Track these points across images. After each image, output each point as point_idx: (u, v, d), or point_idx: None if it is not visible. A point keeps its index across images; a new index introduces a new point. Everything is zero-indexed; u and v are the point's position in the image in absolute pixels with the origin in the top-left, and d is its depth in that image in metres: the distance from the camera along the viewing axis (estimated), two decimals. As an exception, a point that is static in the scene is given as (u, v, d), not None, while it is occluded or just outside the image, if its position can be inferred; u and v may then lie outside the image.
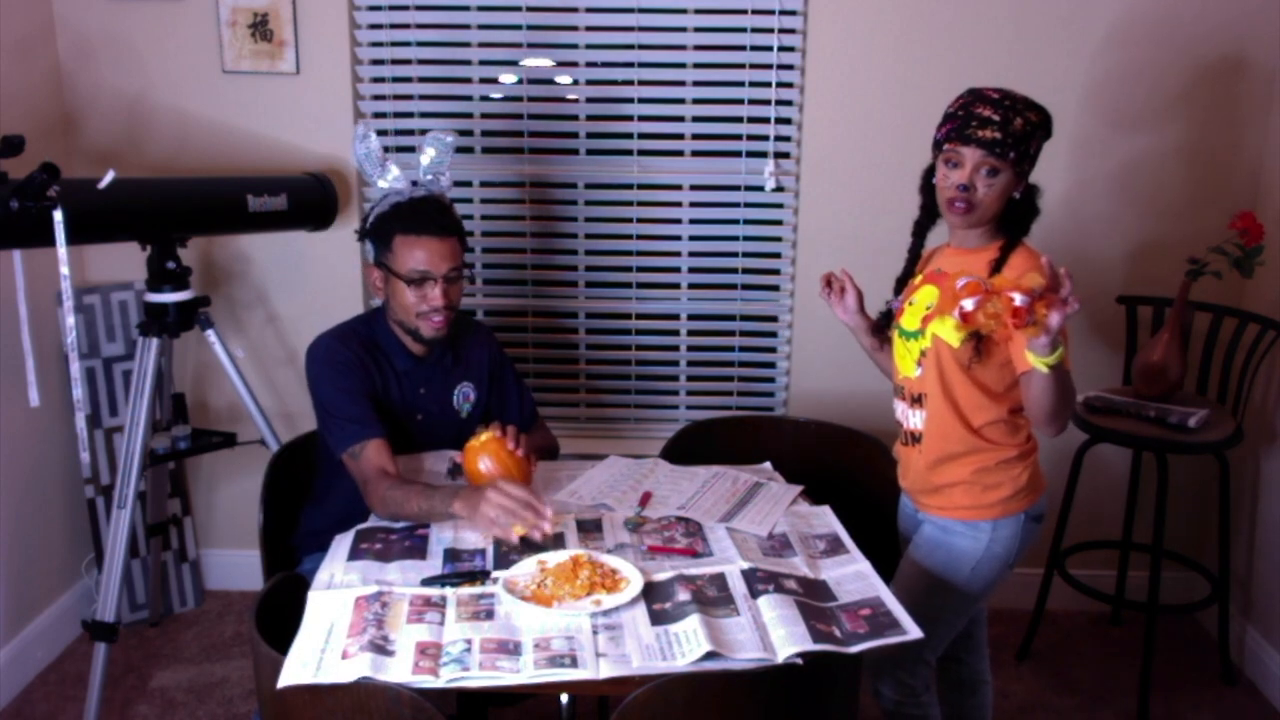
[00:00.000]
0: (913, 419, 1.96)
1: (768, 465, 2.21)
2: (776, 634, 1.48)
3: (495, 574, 1.67)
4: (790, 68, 2.83)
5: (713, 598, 1.59)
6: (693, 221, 2.96)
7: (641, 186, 2.95)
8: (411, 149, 2.92)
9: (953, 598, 1.94)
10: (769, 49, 2.81)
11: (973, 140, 1.80)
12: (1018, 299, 1.54)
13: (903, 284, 2.05)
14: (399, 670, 1.40)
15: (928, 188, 1.95)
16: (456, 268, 2.06)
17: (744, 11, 2.80)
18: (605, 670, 1.41)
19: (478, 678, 1.40)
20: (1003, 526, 1.91)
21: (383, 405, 2.08)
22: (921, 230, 2.01)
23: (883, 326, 2.09)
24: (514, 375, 2.31)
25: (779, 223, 2.95)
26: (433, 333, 2.06)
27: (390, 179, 2.10)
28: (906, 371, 1.95)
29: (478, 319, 2.33)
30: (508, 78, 2.91)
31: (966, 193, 1.81)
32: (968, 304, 1.60)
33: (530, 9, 2.82)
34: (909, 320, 1.94)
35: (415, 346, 2.12)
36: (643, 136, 2.91)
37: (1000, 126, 1.78)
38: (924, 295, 1.91)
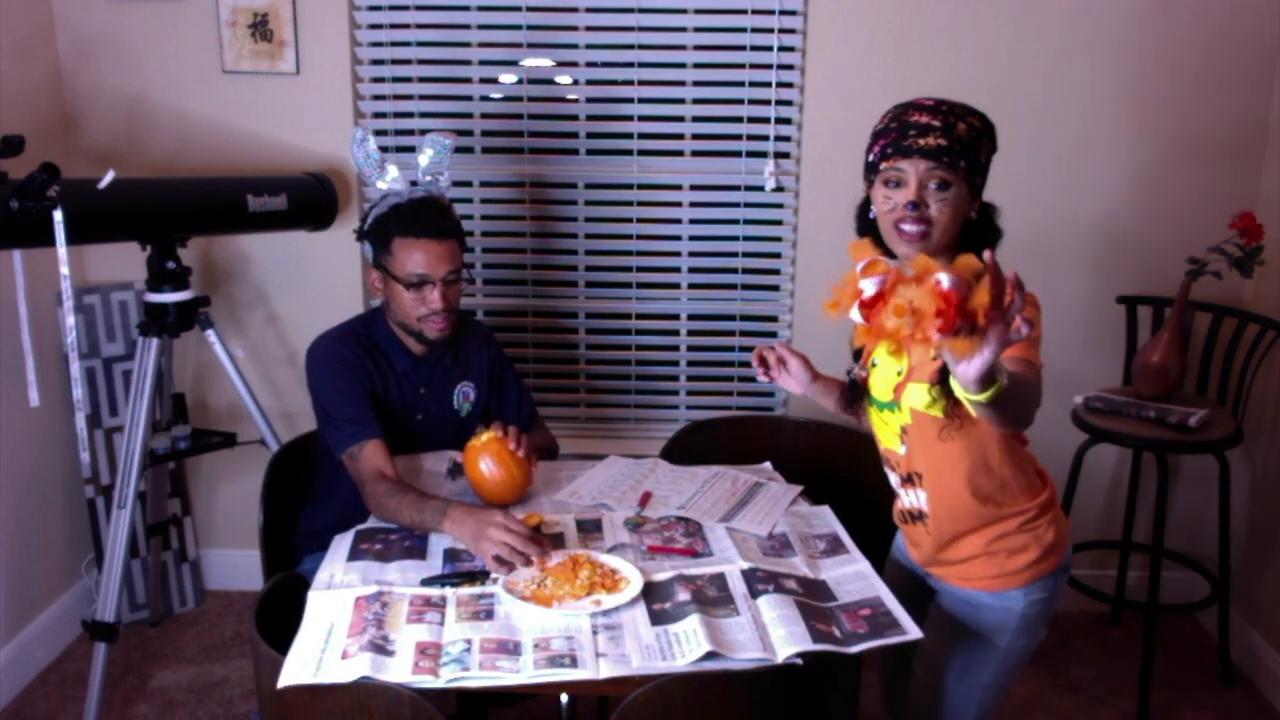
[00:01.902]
0: (910, 498, 1.72)
1: (768, 465, 2.21)
2: (776, 634, 1.48)
3: (495, 574, 1.67)
4: (790, 68, 2.83)
5: (712, 598, 1.59)
6: (693, 221, 2.96)
7: (641, 186, 2.95)
8: (411, 149, 2.91)
9: (987, 676, 1.72)
10: (769, 49, 2.81)
11: (915, 151, 1.54)
12: (945, 281, 1.04)
13: (858, 350, 1.76)
14: (399, 670, 1.40)
15: (865, 225, 1.66)
16: (455, 270, 2.06)
17: (744, 11, 2.80)
18: (605, 670, 1.41)
19: (478, 678, 1.40)
20: (1035, 591, 1.68)
21: (382, 405, 2.08)
22: None
23: (853, 399, 1.80)
24: (514, 375, 2.31)
25: (779, 223, 2.95)
26: (436, 334, 2.07)
27: (389, 180, 2.10)
28: (889, 445, 1.71)
29: (477, 318, 2.33)
30: (508, 78, 2.91)
31: (917, 210, 1.53)
32: (867, 287, 1.10)
33: (530, 9, 2.82)
34: (879, 389, 1.69)
35: (416, 346, 2.12)
36: (643, 136, 2.91)
37: (943, 132, 1.54)
38: (881, 356, 1.68)
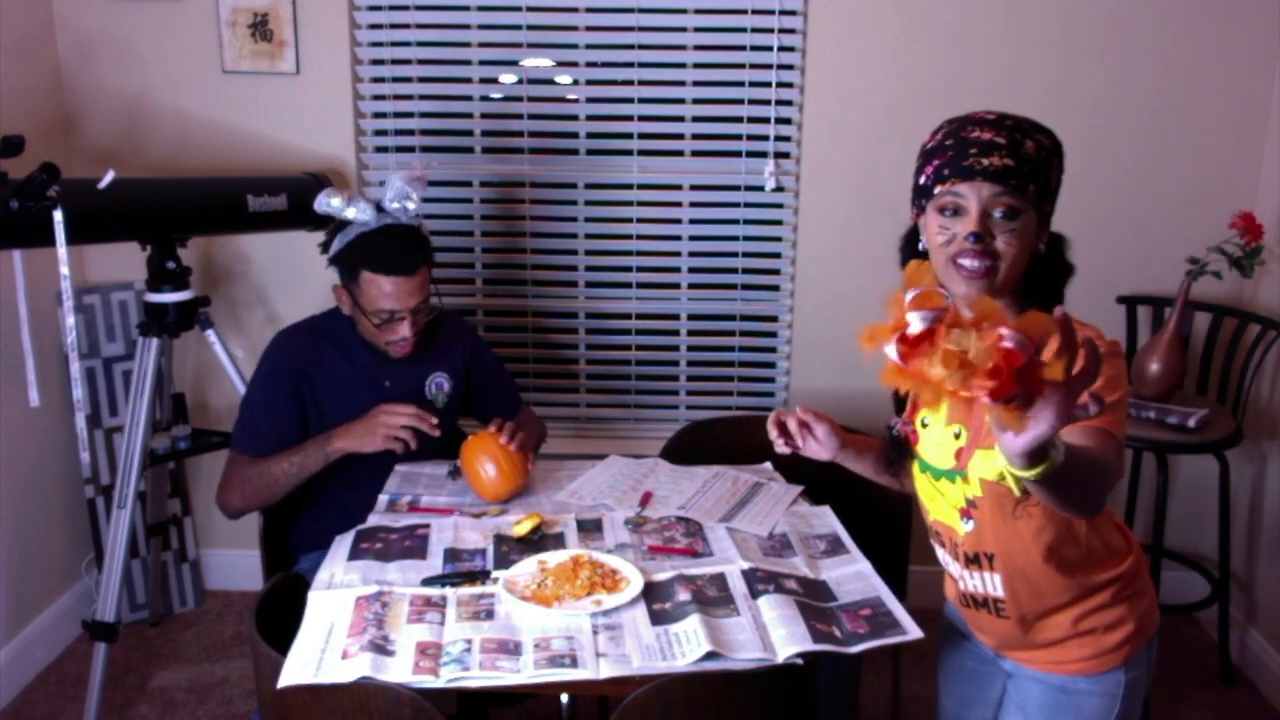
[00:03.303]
0: (975, 581, 1.46)
1: (768, 465, 2.21)
2: (776, 634, 1.48)
3: (495, 574, 1.67)
4: (790, 68, 2.83)
5: (713, 598, 1.59)
6: (693, 221, 2.96)
7: (641, 186, 2.95)
8: (412, 149, 2.92)
9: None
10: (769, 49, 2.81)
11: (978, 173, 1.29)
12: (1010, 339, 0.86)
13: (903, 398, 1.54)
14: (399, 670, 1.40)
15: (913, 257, 1.38)
16: (424, 300, 2.06)
17: (744, 11, 2.80)
18: (605, 670, 1.41)
19: (478, 678, 1.39)
20: (1135, 666, 1.46)
21: (328, 406, 2.10)
22: None
23: (895, 459, 1.56)
24: (495, 364, 2.32)
25: (779, 223, 2.95)
26: (399, 354, 2.10)
27: (361, 208, 2.04)
28: (944, 519, 1.47)
29: (452, 311, 2.35)
30: (508, 78, 2.91)
31: (980, 242, 1.29)
32: (914, 322, 0.91)
33: (530, 9, 2.82)
34: (934, 454, 1.44)
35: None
36: (643, 136, 2.91)
37: (1009, 151, 1.29)
38: (934, 417, 1.44)
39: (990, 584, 1.45)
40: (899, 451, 1.54)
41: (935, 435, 1.44)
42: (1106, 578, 1.43)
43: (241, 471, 2.05)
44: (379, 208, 2.08)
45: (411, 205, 2.09)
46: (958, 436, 1.40)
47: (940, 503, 1.46)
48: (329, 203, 2.04)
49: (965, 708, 1.67)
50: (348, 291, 2.08)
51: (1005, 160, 1.29)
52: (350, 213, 2.04)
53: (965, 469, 1.39)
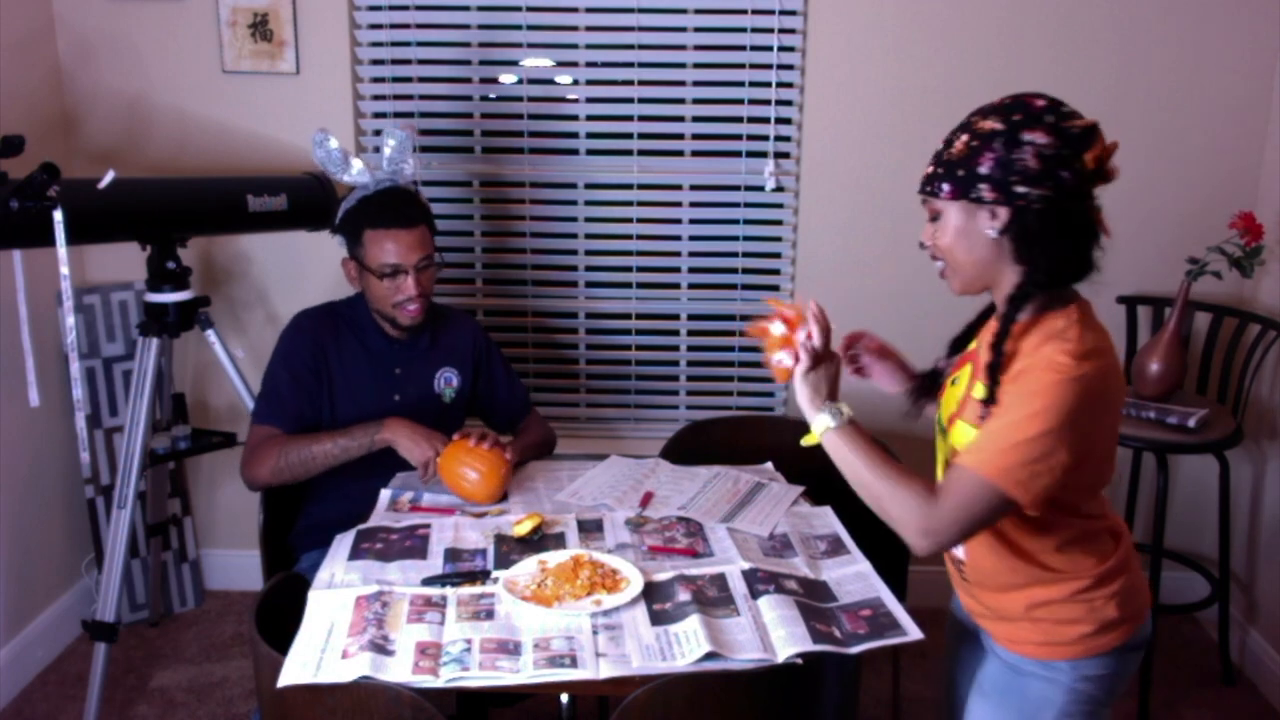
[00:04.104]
0: None
1: (769, 465, 2.21)
2: (776, 634, 1.48)
3: (495, 574, 1.67)
4: (790, 68, 2.83)
5: (713, 598, 1.59)
6: (693, 221, 2.96)
7: (641, 186, 2.95)
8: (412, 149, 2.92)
9: None
10: (769, 49, 2.81)
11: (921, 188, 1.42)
12: (774, 327, 1.23)
13: (959, 346, 1.56)
14: (399, 670, 1.40)
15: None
16: (427, 256, 2.11)
17: (744, 11, 2.80)
18: (605, 670, 1.41)
19: (478, 678, 1.40)
20: (1089, 666, 1.42)
21: (341, 387, 2.13)
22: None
23: (925, 391, 1.61)
24: (503, 364, 2.33)
25: (779, 223, 2.95)
26: (409, 320, 2.12)
27: (354, 173, 2.15)
28: (940, 472, 1.54)
29: (463, 311, 2.39)
30: (508, 78, 2.91)
31: (928, 250, 1.42)
32: (773, 328, 1.34)
33: (530, 9, 2.82)
34: (943, 406, 1.50)
35: (392, 330, 2.17)
36: (643, 136, 2.91)
37: (935, 158, 1.39)
38: (964, 376, 1.49)
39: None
40: (927, 385, 1.59)
41: (951, 394, 1.49)
42: (1068, 575, 1.41)
43: (275, 446, 2.04)
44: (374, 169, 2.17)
45: (408, 168, 2.19)
46: (957, 403, 1.46)
47: (939, 455, 1.53)
48: (327, 143, 2.13)
49: (957, 672, 1.64)
50: (355, 260, 2.13)
51: (927, 169, 1.39)
52: (354, 166, 2.13)
53: (949, 429, 1.45)
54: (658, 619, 1.54)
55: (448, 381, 2.24)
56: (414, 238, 2.08)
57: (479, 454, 1.96)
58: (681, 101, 2.87)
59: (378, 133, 2.91)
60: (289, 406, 2.10)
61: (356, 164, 2.16)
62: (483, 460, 1.96)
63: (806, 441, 1.35)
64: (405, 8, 2.84)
